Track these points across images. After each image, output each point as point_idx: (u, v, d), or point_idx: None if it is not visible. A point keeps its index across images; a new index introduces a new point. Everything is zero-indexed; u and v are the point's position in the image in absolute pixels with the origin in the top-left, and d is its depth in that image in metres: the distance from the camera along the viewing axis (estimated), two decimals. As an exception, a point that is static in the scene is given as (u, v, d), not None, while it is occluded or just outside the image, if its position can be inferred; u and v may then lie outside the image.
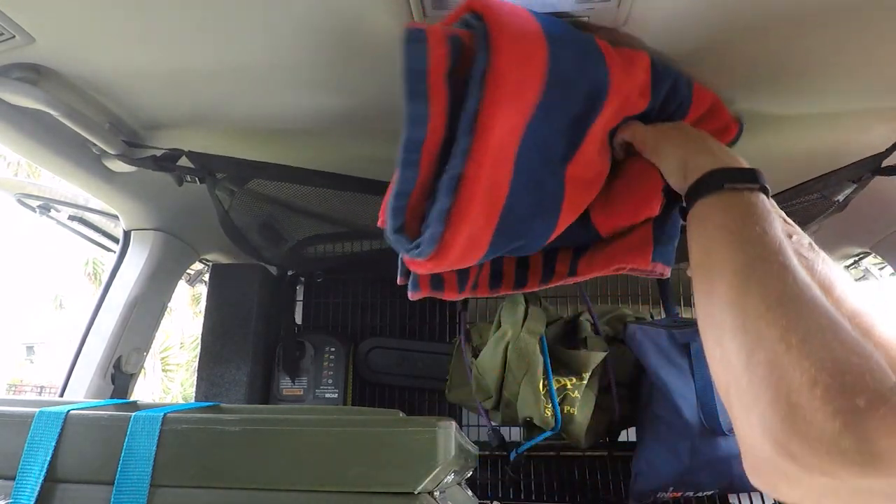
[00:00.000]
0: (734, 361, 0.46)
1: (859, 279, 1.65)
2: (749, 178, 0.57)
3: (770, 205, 0.56)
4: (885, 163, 0.90)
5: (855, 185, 0.94)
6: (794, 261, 0.49)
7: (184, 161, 0.93)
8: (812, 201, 0.95)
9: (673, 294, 1.45)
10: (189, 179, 0.94)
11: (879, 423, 0.36)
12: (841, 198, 0.96)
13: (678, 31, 0.69)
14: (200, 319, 1.54)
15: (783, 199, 0.89)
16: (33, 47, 0.72)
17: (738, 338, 0.46)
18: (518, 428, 1.38)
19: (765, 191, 0.57)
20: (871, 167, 0.89)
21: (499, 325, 1.32)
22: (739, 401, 0.44)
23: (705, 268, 0.54)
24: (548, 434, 1.26)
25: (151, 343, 1.35)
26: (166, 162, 0.92)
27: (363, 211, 1.02)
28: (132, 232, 1.27)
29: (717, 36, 0.70)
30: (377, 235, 1.16)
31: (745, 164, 0.60)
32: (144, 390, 10.50)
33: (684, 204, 0.61)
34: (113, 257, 1.30)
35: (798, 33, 0.70)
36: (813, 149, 0.99)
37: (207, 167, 0.93)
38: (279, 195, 0.98)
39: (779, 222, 0.53)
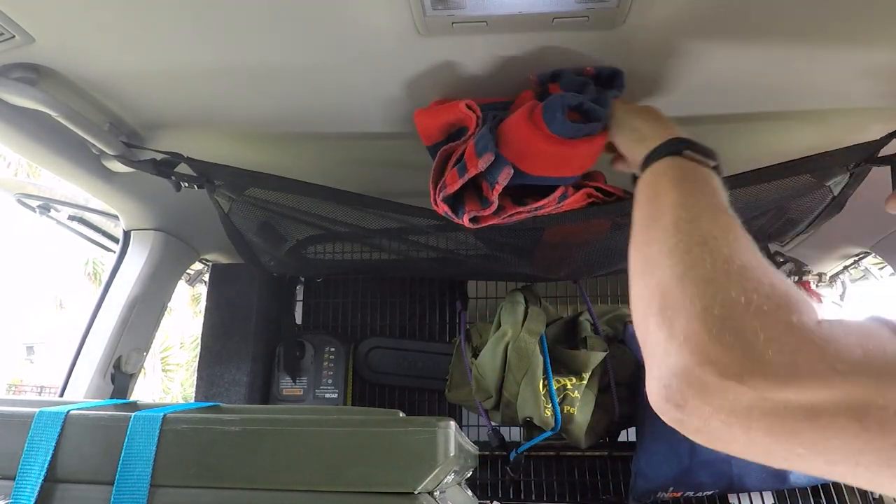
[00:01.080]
0: (666, 280, 0.47)
1: (859, 279, 1.65)
2: (707, 153, 0.60)
3: (721, 184, 0.57)
4: (881, 154, 0.89)
5: (849, 176, 0.93)
6: (736, 216, 0.52)
7: (183, 167, 0.93)
8: (805, 189, 0.94)
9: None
10: (187, 185, 0.94)
11: (802, 339, 0.39)
12: (833, 186, 0.96)
13: (676, 31, 0.69)
14: (200, 319, 1.54)
15: (774, 174, 0.89)
16: (33, 47, 0.72)
17: (675, 258, 0.48)
18: (518, 428, 1.38)
19: (717, 171, 0.59)
20: (865, 155, 0.89)
21: (499, 325, 1.32)
22: (663, 314, 0.45)
23: (651, 207, 0.56)
24: (548, 434, 1.26)
25: (151, 343, 1.35)
26: (165, 167, 0.92)
27: (361, 219, 1.02)
28: (132, 232, 1.27)
29: (715, 35, 0.70)
30: (374, 237, 1.16)
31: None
32: (144, 390, 10.50)
33: (640, 171, 0.63)
34: (113, 257, 1.30)
35: (796, 33, 0.70)
36: (808, 147, 0.99)
37: (206, 174, 0.93)
38: (278, 201, 0.99)
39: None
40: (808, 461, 0.39)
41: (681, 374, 0.41)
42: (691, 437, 0.43)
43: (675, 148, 0.60)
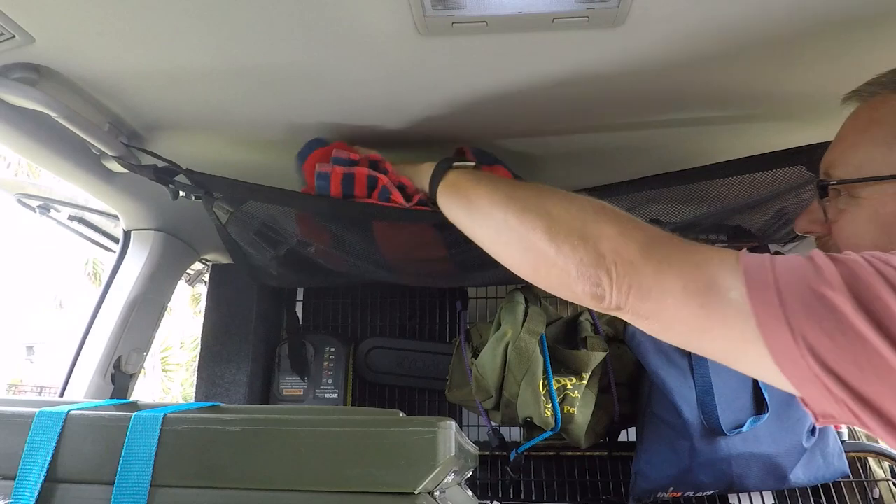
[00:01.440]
0: (542, 227, 0.65)
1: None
2: (464, 160, 0.84)
3: None
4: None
5: None
6: None
7: (181, 177, 0.93)
8: (802, 183, 0.93)
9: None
10: (184, 195, 0.94)
11: (667, 241, 0.59)
12: None
13: (677, 31, 0.69)
14: (200, 319, 1.54)
15: (765, 162, 0.88)
16: (33, 47, 0.72)
17: (534, 212, 0.67)
18: (518, 428, 1.38)
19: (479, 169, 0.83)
20: None
21: (499, 325, 1.31)
22: (560, 246, 0.63)
23: (471, 204, 0.75)
24: (548, 434, 1.26)
25: (151, 343, 1.35)
26: (164, 175, 0.92)
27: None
28: (132, 232, 1.27)
29: (716, 36, 0.70)
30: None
31: None
32: (144, 390, 10.50)
33: (434, 189, 0.82)
34: (113, 257, 1.30)
35: (798, 33, 0.70)
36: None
37: (204, 186, 0.93)
38: (276, 214, 0.98)
39: None
40: (672, 326, 0.57)
41: (599, 267, 0.59)
42: (614, 314, 0.60)
43: (448, 163, 0.82)
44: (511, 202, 0.69)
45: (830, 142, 0.87)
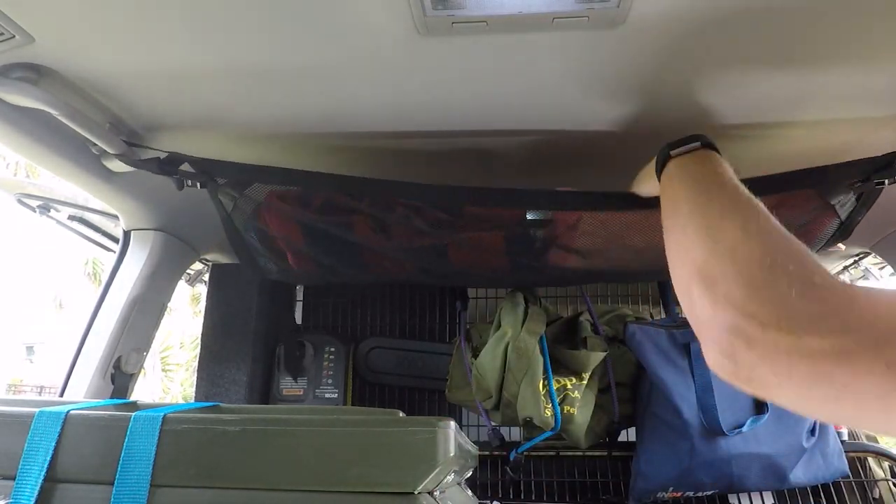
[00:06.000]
0: (697, 253, 0.54)
1: (859, 279, 1.65)
2: (690, 140, 0.70)
3: (720, 159, 0.67)
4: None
5: (855, 199, 0.92)
6: (743, 187, 0.60)
7: (185, 165, 0.93)
8: (809, 204, 0.93)
9: (673, 294, 1.44)
10: (189, 184, 0.94)
11: (828, 293, 0.45)
12: (837, 205, 0.94)
13: (677, 32, 0.69)
14: (200, 319, 1.54)
15: (774, 186, 0.86)
16: (33, 47, 0.72)
17: (701, 233, 0.56)
18: (518, 428, 1.38)
19: (711, 146, 0.69)
20: (871, 169, 0.87)
21: (499, 325, 1.31)
22: (703, 283, 0.52)
23: (672, 200, 0.66)
24: (548, 434, 1.26)
25: (151, 343, 1.35)
26: (168, 166, 0.92)
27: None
28: (132, 232, 1.27)
29: (717, 36, 0.70)
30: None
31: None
32: (144, 390, 10.49)
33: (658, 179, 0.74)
34: (113, 257, 1.30)
35: (799, 33, 0.70)
36: (813, 157, 0.98)
37: (209, 173, 0.93)
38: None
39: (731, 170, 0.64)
40: (841, 404, 0.43)
41: (728, 329, 0.47)
42: (744, 387, 0.48)
43: (664, 155, 0.74)
44: (701, 204, 0.61)
45: (845, 163, 0.85)
